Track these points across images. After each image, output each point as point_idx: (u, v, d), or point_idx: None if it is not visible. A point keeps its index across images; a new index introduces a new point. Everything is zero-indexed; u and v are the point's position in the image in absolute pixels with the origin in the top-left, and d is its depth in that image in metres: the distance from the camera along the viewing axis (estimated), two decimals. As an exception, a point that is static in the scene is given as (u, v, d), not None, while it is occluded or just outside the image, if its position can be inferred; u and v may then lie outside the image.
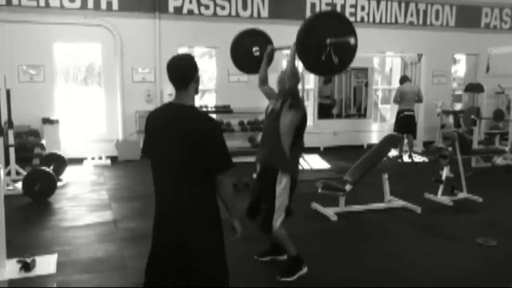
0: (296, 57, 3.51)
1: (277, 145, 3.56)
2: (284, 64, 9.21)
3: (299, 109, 3.54)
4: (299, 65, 3.72)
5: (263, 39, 4.27)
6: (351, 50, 3.37)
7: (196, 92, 2.41)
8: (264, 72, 4.01)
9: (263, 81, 3.99)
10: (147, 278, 2.43)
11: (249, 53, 4.25)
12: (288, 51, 3.73)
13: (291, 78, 3.50)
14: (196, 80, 2.37)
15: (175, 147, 2.27)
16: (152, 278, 2.40)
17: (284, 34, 9.47)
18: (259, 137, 9.13)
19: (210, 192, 2.35)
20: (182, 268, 2.32)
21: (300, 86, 9.25)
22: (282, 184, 3.56)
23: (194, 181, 2.30)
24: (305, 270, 3.73)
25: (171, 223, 2.33)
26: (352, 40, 3.29)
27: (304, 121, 3.62)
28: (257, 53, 4.21)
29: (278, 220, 3.57)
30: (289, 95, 3.50)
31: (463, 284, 3.67)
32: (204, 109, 9.12)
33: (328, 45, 3.30)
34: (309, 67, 3.55)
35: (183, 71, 2.33)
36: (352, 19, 10.16)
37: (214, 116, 9.42)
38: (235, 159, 6.56)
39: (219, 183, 2.32)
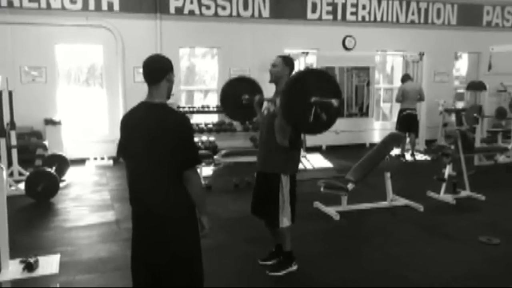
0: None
1: (274, 144, 3.55)
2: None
3: None
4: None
5: (253, 87, 4.16)
6: (335, 110, 3.29)
7: (168, 96, 2.41)
8: (260, 117, 3.91)
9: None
10: (134, 280, 2.44)
11: (238, 100, 4.13)
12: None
13: (280, 130, 3.50)
14: (169, 80, 2.38)
15: (147, 145, 2.27)
16: (140, 280, 2.41)
17: (285, 34, 9.59)
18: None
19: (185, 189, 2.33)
20: (165, 269, 2.33)
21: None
22: (283, 184, 3.58)
23: (168, 179, 2.29)
24: (294, 268, 3.75)
25: (151, 223, 2.32)
26: (335, 102, 3.21)
27: None
28: (245, 102, 4.10)
29: (284, 218, 3.60)
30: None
31: (466, 284, 3.66)
32: (206, 109, 9.13)
33: (313, 104, 3.25)
34: (294, 125, 3.45)
35: (156, 67, 2.36)
36: (353, 18, 10.21)
37: (216, 116, 9.45)
38: (237, 159, 6.58)
39: (187, 178, 2.30)
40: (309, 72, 3.53)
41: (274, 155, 3.59)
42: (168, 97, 2.42)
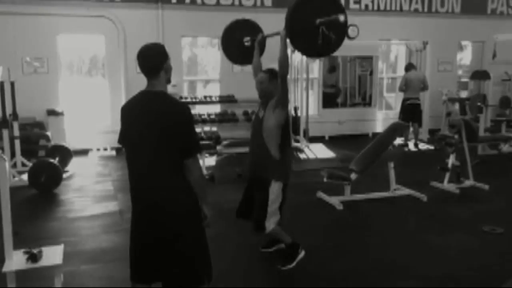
0: (287, 42, 3.41)
1: (265, 152, 3.53)
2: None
3: (283, 107, 3.51)
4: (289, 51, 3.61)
5: (253, 29, 4.16)
6: (342, 27, 3.27)
7: (168, 81, 2.39)
8: (257, 61, 3.92)
9: (257, 70, 3.90)
10: (133, 270, 2.42)
11: (240, 44, 4.14)
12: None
13: (284, 64, 3.45)
14: (167, 69, 2.36)
15: (147, 134, 2.27)
16: (137, 269, 2.40)
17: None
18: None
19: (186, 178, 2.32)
20: (164, 260, 2.31)
21: (304, 75, 9.25)
22: (275, 191, 3.55)
23: (169, 168, 2.28)
24: (302, 253, 3.74)
25: (151, 214, 2.30)
26: (341, 17, 3.17)
27: (288, 120, 3.61)
28: (248, 43, 4.09)
29: (272, 223, 3.56)
30: (281, 83, 3.46)
31: (469, 274, 3.65)
32: (209, 99, 9.10)
33: (319, 25, 3.21)
34: (304, 51, 3.45)
35: (152, 60, 2.33)
36: (356, 6, 10.12)
37: (218, 106, 9.42)
38: (239, 149, 6.55)
39: (187, 167, 2.29)
40: None
41: (265, 161, 3.56)
42: (168, 82, 2.40)
